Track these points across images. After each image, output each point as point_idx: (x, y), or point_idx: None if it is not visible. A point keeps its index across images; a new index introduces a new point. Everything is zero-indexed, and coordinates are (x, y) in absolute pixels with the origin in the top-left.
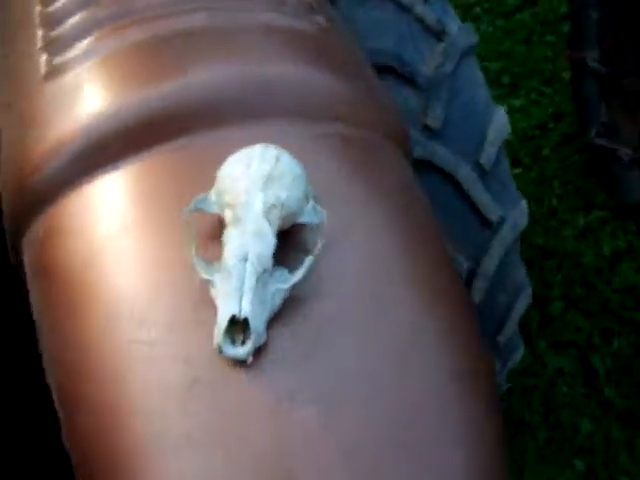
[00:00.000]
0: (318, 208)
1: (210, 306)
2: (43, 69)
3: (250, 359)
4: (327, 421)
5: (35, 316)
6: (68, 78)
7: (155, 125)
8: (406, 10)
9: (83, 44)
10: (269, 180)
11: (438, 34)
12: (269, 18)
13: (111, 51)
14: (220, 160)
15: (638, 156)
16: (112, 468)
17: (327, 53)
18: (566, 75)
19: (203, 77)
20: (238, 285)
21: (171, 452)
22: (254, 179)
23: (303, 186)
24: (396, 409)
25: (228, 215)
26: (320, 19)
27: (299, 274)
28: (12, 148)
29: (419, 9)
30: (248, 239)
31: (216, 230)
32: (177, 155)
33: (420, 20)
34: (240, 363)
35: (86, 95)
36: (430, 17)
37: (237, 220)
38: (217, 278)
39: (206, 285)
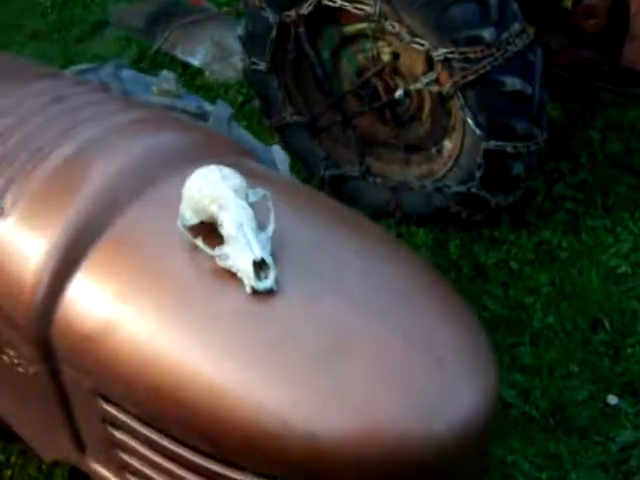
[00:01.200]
0: (259, 189)
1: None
2: None
3: (275, 287)
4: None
5: None
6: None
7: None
8: (171, 108)
9: None
10: (224, 178)
11: (203, 116)
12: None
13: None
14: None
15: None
16: None
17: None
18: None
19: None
20: (245, 241)
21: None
22: (214, 181)
23: (242, 178)
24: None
25: (213, 209)
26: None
27: (271, 227)
28: None
29: (179, 105)
30: (236, 213)
31: (204, 233)
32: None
33: (184, 111)
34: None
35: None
36: (190, 107)
37: (221, 208)
38: (226, 249)
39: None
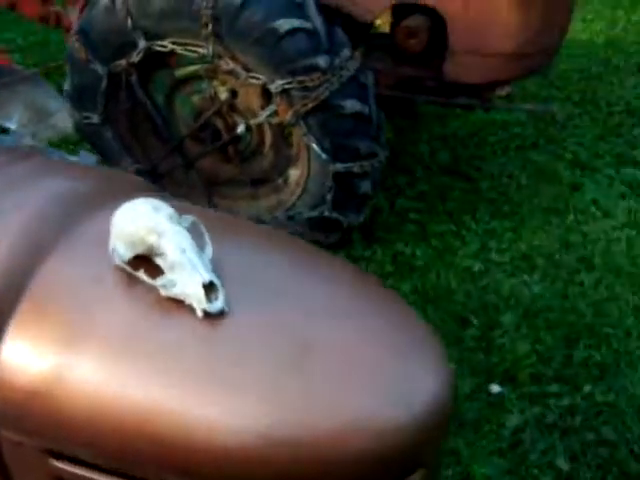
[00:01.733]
0: (186, 216)
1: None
2: None
3: (226, 308)
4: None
5: None
6: None
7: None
8: None
9: None
10: (155, 208)
11: None
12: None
13: None
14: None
15: None
16: None
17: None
18: None
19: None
20: (191, 266)
21: None
22: (146, 212)
23: (170, 207)
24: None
25: (152, 239)
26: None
27: (209, 250)
28: None
29: None
30: (177, 239)
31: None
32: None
33: None
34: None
35: None
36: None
37: (161, 236)
38: (172, 276)
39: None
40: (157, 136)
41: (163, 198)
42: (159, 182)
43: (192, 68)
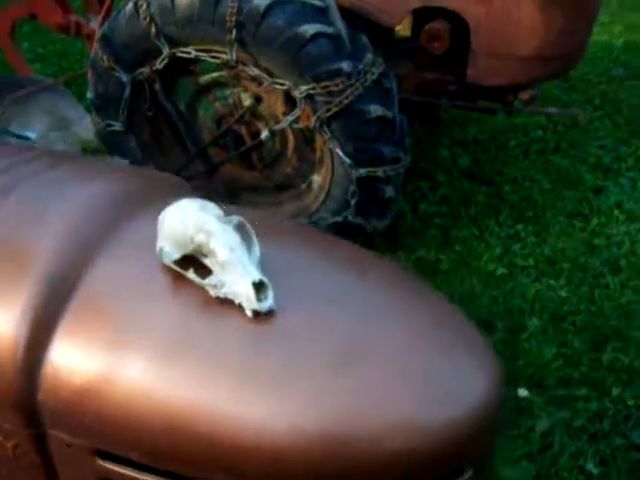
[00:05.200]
0: (232, 216)
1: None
2: None
3: (275, 306)
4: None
5: None
6: None
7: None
8: None
9: None
10: (202, 207)
11: None
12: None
13: None
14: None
15: None
16: None
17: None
18: None
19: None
20: (241, 265)
21: None
22: (194, 211)
23: (216, 206)
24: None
25: (201, 238)
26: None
27: (257, 249)
28: None
29: None
30: (226, 238)
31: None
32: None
33: None
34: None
35: None
36: None
37: (210, 235)
38: (221, 276)
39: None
40: (180, 143)
41: (207, 199)
42: None
43: (215, 74)
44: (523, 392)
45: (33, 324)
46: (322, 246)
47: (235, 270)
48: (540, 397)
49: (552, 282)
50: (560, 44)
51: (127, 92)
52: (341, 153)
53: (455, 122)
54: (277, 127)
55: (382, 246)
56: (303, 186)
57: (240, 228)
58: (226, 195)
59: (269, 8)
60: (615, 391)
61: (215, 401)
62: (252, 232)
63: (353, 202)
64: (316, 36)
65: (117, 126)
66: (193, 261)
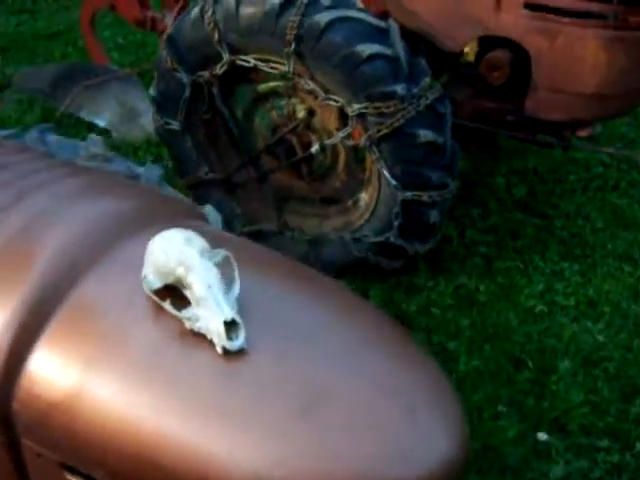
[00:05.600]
0: (219, 250)
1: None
2: None
3: (245, 345)
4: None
5: None
6: None
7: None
8: None
9: None
10: (188, 240)
11: (133, 178)
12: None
13: None
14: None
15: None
16: None
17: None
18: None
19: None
20: (215, 302)
21: None
22: (178, 244)
23: (204, 240)
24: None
25: (180, 272)
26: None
27: (237, 287)
28: None
29: (109, 168)
30: (204, 274)
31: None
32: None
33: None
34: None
35: None
36: (120, 170)
37: (189, 270)
38: (196, 310)
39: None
40: (234, 147)
41: (202, 227)
42: (232, 192)
43: (273, 84)
44: (543, 436)
45: (16, 335)
46: (306, 285)
47: (209, 307)
48: (560, 442)
49: (590, 325)
50: (622, 83)
51: (187, 93)
52: (388, 174)
53: (515, 150)
54: (328, 142)
55: (424, 269)
56: (350, 202)
57: (225, 262)
58: (274, 202)
59: (330, 24)
60: (639, 446)
61: (180, 432)
62: (235, 268)
63: (396, 224)
64: (373, 57)
65: (175, 125)
66: (176, 290)
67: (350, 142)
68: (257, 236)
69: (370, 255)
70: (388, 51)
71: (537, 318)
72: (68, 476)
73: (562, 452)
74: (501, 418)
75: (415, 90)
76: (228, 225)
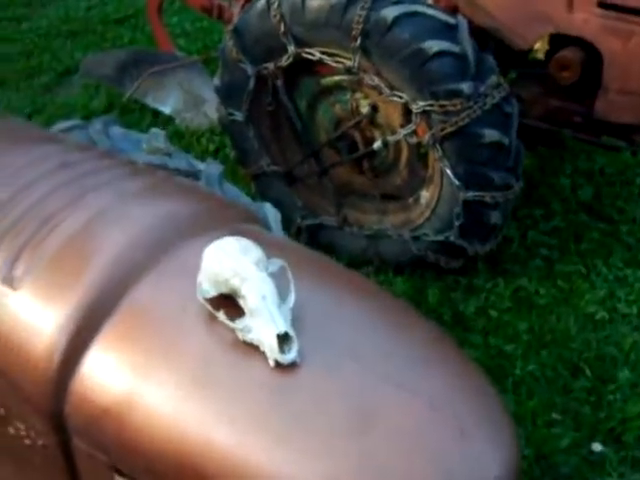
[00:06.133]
0: (276, 259)
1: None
2: None
3: (298, 359)
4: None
5: None
6: None
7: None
8: (162, 167)
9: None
10: (243, 250)
11: (194, 174)
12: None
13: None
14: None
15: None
16: None
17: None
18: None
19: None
20: (269, 314)
21: None
22: (234, 253)
23: (260, 250)
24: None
25: (235, 282)
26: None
27: (292, 298)
28: None
29: (171, 164)
30: (259, 286)
31: (223, 304)
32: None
33: (176, 170)
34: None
35: None
36: (182, 166)
37: (244, 281)
38: (249, 322)
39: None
40: (296, 140)
41: (259, 233)
42: (293, 185)
43: (337, 78)
44: (597, 446)
45: (71, 338)
46: (362, 298)
47: (263, 319)
48: (615, 454)
49: None
50: None
51: (251, 85)
52: (450, 173)
53: (582, 150)
54: (391, 138)
55: (483, 270)
56: (411, 200)
57: (280, 273)
58: (334, 197)
59: (396, 19)
60: None
61: (227, 445)
62: (291, 280)
63: (457, 223)
64: (440, 54)
65: (238, 116)
66: (229, 298)
67: (413, 139)
68: (316, 229)
69: (429, 253)
70: (456, 48)
71: (597, 325)
72: (118, 478)
73: (616, 464)
74: (555, 426)
75: (482, 88)
76: (288, 217)
